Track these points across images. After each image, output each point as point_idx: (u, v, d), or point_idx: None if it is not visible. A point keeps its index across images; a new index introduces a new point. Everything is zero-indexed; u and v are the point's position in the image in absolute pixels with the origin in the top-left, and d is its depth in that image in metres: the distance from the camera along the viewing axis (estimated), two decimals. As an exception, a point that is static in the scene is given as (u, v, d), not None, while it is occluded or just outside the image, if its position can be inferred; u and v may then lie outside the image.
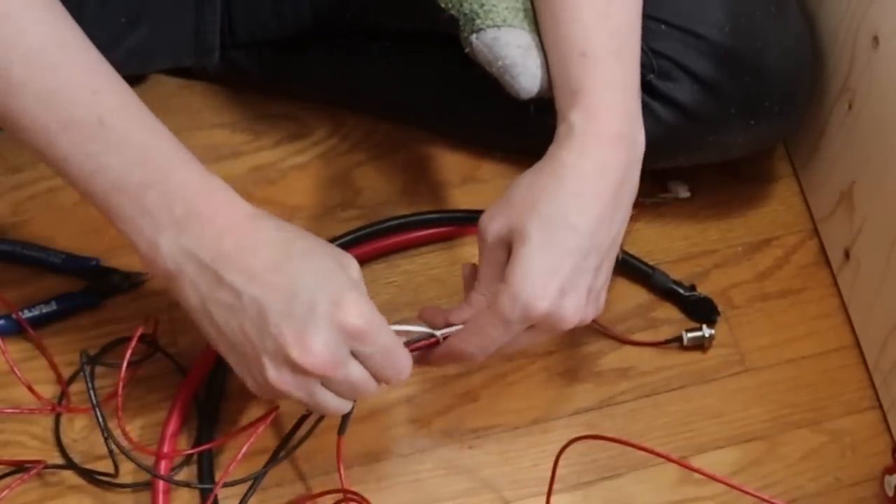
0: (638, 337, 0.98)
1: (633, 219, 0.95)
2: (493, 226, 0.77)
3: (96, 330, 0.95)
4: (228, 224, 0.73)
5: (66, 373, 0.92)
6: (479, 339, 0.77)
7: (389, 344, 0.74)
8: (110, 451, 0.86)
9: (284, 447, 0.85)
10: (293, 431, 0.84)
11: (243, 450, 0.79)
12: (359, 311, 0.72)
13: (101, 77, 0.73)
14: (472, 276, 0.81)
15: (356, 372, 0.74)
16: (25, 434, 0.90)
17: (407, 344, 0.78)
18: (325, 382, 0.74)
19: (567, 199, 0.75)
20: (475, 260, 0.80)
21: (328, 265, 0.73)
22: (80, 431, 0.91)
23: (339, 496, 0.84)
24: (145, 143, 0.73)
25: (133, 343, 0.80)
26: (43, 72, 0.70)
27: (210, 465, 0.88)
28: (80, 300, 0.95)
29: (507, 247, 0.76)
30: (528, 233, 0.75)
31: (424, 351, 0.80)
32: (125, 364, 0.80)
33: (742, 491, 0.79)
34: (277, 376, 0.72)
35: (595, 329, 0.98)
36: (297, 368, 0.72)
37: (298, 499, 0.88)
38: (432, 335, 0.80)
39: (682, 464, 0.81)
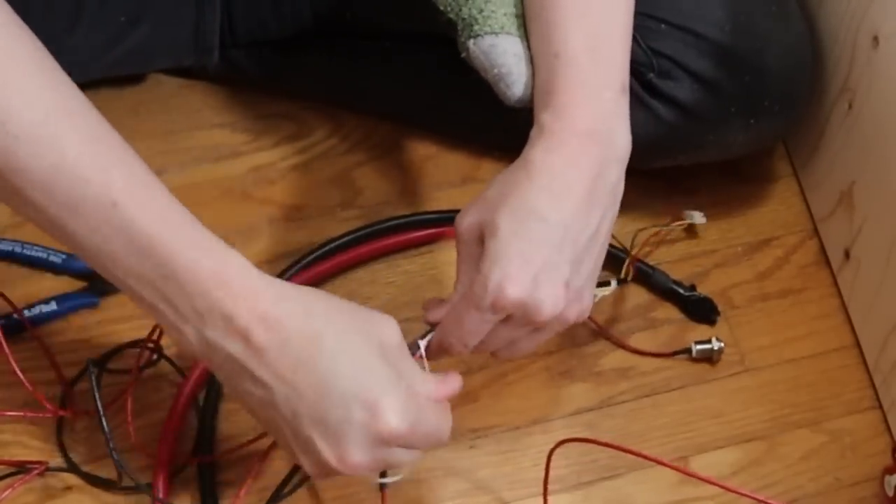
0: (638, 337, 0.98)
1: (648, 244, 0.98)
2: (465, 221, 0.77)
3: (96, 330, 0.95)
4: (254, 316, 0.68)
5: (67, 373, 0.92)
6: (457, 330, 0.76)
7: (430, 429, 0.72)
8: (116, 462, 0.86)
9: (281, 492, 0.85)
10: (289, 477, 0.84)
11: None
12: (396, 416, 0.69)
13: (111, 150, 0.68)
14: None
15: (399, 457, 0.72)
16: (26, 434, 0.90)
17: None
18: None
19: (536, 193, 0.75)
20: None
21: (361, 359, 0.70)
22: (81, 431, 0.90)
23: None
24: (160, 230, 0.68)
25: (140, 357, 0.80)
26: (49, 147, 0.65)
27: (211, 467, 0.89)
28: (80, 300, 0.95)
29: (481, 242, 0.76)
30: (499, 224, 0.74)
31: None
32: (134, 373, 0.79)
33: (738, 493, 0.79)
34: (320, 474, 0.72)
35: (595, 330, 0.98)
36: (335, 472, 0.71)
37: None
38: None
39: (675, 467, 0.81)
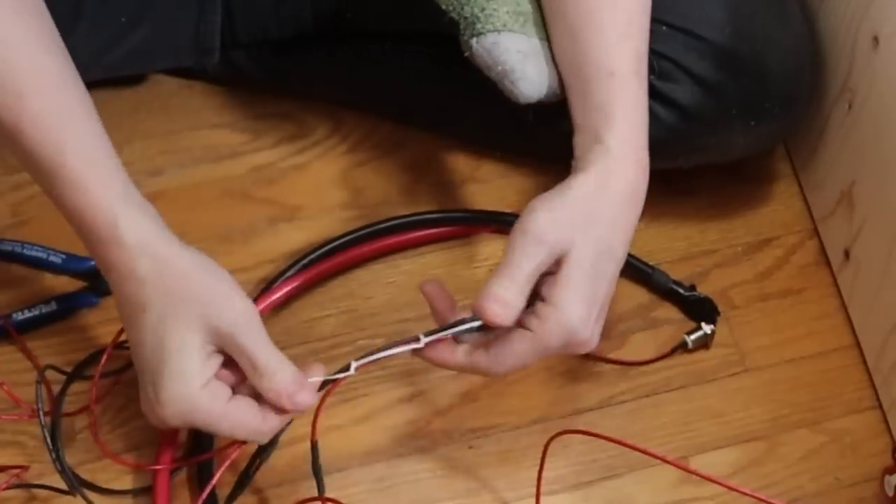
0: (638, 337, 0.98)
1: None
2: (552, 234, 0.76)
3: (96, 330, 0.95)
4: (110, 259, 0.75)
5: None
6: (514, 362, 0.77)
7: (221, 428, 0.76)
8: (64, 471, 0.86)
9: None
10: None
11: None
12: (169, 408, 0.74)
13: (61, 118, 0.74)
14: (440, 293, 0.80)
15: (234, 415, 0.76)
16: (25, 434, 0.90)
17: (393, 345, 0.78)
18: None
19: (614, 228, 0.78)
20: (479, 261, 0.80)
21: (168, 344, 0.74)
22: (80, 431, 0.90)
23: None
24: (85, 192, 0.74)
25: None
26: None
27: (210, 467, 0.88)
28: (80, 300, 0.95)
29: (555, 256, 0.76)
30: (583, 258, 0.76)
31: (441, 353, 0.79)
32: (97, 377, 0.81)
33: (739, 491, 0.79)
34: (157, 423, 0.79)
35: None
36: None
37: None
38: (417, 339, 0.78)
39: (676, 464, 0.81)
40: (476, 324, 0.77)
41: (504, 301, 0.75)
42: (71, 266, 0.96)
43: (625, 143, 0.79)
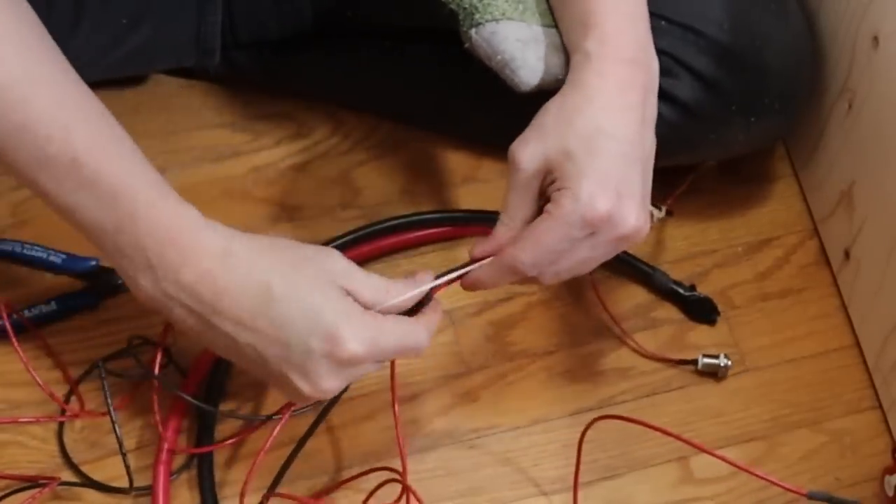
0: (638, 337, 0.98)
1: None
2: (526, 153, 0.77)
3: (96, 330, 0.95)
4: (200, 272, 0.72)
5: (68, 374, 0.92)
6: (534, 247, 0.77)
7: (395, 341, 0.75)
8: (127, 467, 0.87)
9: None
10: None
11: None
12: (353, 341, 0.72)
13: (73, 112, 0.72)
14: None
15: (369, 370, 0.76)
16: (25, 434, 0.90)
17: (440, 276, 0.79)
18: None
19: (599, 113, 0.77)
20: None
21: (309, 301, 0.72)
22: (80, 431, 0.90)
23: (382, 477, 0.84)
24: (114, 184, 0.72)
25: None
26: (14, 108, 0.70)
27: (210, 467, 0.89)
28: (80, 300, 0.95)
29: (541, 175, 0.77)
30: (571, 148, 0.76)
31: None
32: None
33: (755, 475, 0.78)
34: (290, 398, 0.77)
35: (596, 329, 0.98)
36: (313, 398, 0.75)
37: (331, 485, 0.88)
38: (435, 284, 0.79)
39: (696, 445, 0.81)
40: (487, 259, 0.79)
41: (502, 222, 0.79)
42: (71, 266, 0.96)
43: (604, 46, 0.78)
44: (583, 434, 0.85)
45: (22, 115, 0.70)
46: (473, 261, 0.79)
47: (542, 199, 0.78)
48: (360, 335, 0.73)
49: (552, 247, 0.77)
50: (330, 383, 0.74)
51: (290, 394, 0.76)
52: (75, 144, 0.71)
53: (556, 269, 0.79)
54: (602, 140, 0.76)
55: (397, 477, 0.82)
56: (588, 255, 0.78)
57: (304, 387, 0.74)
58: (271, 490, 0.86)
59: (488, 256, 0.79)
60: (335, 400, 0.83)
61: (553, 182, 0.77)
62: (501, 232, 0.79)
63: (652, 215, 0.83)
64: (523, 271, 0.78)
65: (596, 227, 0.76)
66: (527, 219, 0.78)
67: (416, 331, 0.76)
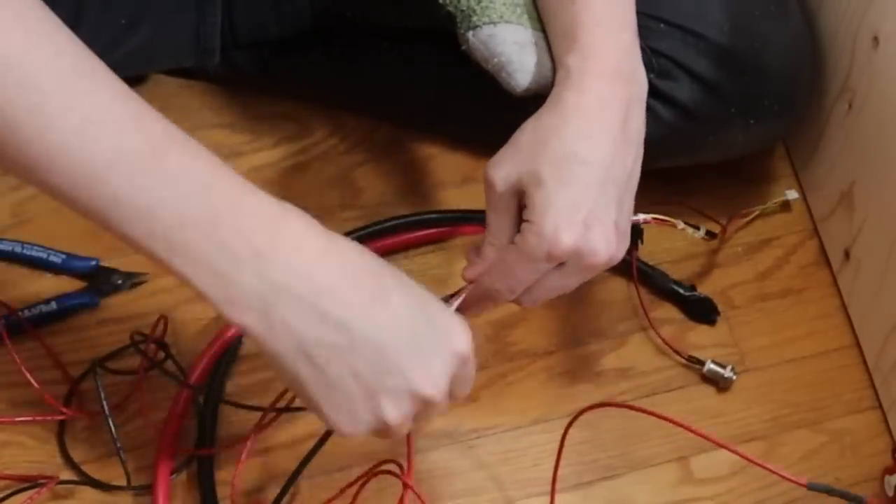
0: (638, 337, 0.98)
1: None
2: (500, 173, 0.76)
3: (96, 330, 0.95)
4: (316, 251, 0.65)
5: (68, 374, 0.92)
6: (506, 278, 0.76)
7: (474, 363, 0.73)
8: (123, 464, 0.87)
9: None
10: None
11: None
12: (468, 337, 0.70)
13: (140, 103, 0.65)
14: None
15: (442, 406, 0.72)
16: (24, 434, 0.90)
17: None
18: (429, 409, 0.71)
19: (574, 136, 0.75)
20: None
21: (416, 290, 0.69)
22: (80, 431, 0.90)
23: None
24: (204, 171, 0.64)
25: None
26: (83, 98, 0.62)
27: (210, 466, 0.89)
28: (80, 300, 0.95)
29: (517, 194, 0.76)
30: (542, 174, 0.74)
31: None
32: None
33: (760, 465, 0.78)
34: (396, 413, 0.68)
35: (596, 329, 0.98)
36: (419, 401, 0.68)
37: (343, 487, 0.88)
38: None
39: (701, 434, 0.80)
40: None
41: (489, 242, 0.78)
42: (71, 266, 0.96)
43: (585, 60, 0.77)
44: (570, 423, 0.84)
45: (89, 105, 0.62)
46: (467, 282, 0.79)
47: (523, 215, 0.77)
48: (468, 333, 0.70)
49: (522, 277, 0.76)
50: (445, 381, 0.68)
51: (399, 401, 0.68)
52: (153, 134, 0.63)
53: (533, 297, 0.78)
54: (575, 167, 0.74)
55: (398, 472, 0.81)
56: (561, 283, 0.78)
57: (425, 386, 0.67)
58: (283, 493, 0.86)
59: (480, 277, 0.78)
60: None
61: (525, 206, 0.76)
62: (489, 252, 0.78)
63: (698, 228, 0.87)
64: (500, 298, 0.78)
65: (563, 260, 0.75)
66: (512, 235, 0.77)
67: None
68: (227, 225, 0.63)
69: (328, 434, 0.81)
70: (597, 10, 0.79)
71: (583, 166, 0.75)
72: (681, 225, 0.95)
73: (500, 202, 0.77)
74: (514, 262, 0.76)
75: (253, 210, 0.64)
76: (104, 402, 0.86)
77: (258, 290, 0.64)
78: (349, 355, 0.66)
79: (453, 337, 0.69)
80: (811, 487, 0.77)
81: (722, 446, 0.79)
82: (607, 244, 0.75)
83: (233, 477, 0.83)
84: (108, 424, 0.86)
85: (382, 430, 0.70)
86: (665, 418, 0.80)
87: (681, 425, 0.79)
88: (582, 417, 0.94)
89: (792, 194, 1.05)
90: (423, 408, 0.70)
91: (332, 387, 0.67)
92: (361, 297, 0.66)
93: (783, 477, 0.77)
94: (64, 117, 0.61)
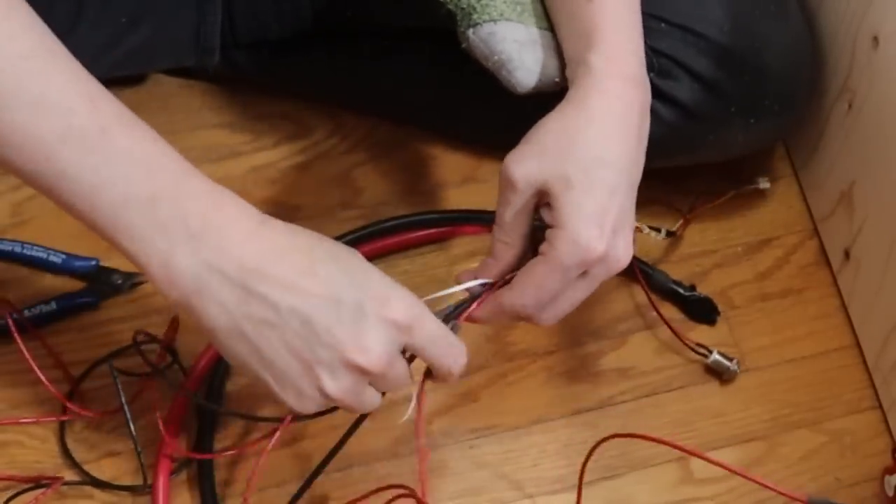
0: (638, 337, 0.98)
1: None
2: (522, 171, 0.76)
3: (96, 330, 0.95)
4: (245, 233, 0.69)
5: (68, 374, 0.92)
6: (536, 291, 0.76)
7: (438, 332, 0.73)
8: (141, 465, 0.87)
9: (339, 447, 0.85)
10: (350, 433, 0.83)
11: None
12: (405, 304, 0.71)
13: (94, 85, 0.68)
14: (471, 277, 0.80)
15: (403, 366, 0.73)
16: (24, 434, 0.90)
17: (446, 317, 0.77)
18: (373, 381, 0.72)
19: (601, 140, 0.76)
20: (479, 261, 0.80)
21: (353, 263, 0.71)
22: (80, 432, 0.90)
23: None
24: (150, 153, 0.68)
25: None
26: (33, 79, 0.66)
27: (211, 466, 0.89)
28: (80, 300, 0.95)
29: (538, 194, 0.76)
30: (571, 177, 0.74)
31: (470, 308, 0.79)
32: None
33: (752, 480, 0.78)
34: (335, 384, 0.70)
35: (596, 329, 0.98)
36: (356, 371, 0.70)
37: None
38: (470, 293, 0.78)
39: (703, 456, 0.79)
40: (481, 281, 0.78)
41: (502, 241, 0.78)
42: (71, 266, 0.96)
43: (609, 62, 0.77)
44: (591, 450, 0.83)
45: (42, 86, 0.66)
46: (479, 282, 0.78)
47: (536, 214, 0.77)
48: (407, 301, 0.71)
49: (551, 288, 0.76)
50: (379, 348, 0.69)
51: (334, 372, 0.70)
52: (103, 114, 0.67)
53: (556, 311, 0.78)
54: (601, 171, 0.75)
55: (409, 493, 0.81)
56: (581, 294, 0.78)
57: (355, 354, 0.69)
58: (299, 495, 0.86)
59: (497, 278, 0.78)
60: (364, 416, 0.80)
61: (547, 204, 0.76)
62: (503, 251, 0.78)
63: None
64: (525, 315, 0.77)
65: (590, 267, 0.75)
66: (524, 235, 0.77)
67: (456, 339, 0.75)
68: (166, 207, 0.67)
69: (354, 427, 0.82)
70: (615, 11, 0.79)
71: (609, 170, 0.75)
72: (646, 230, 0.95)
73: (520, 200, 0.76)
74: (544, 273, 0.75)
75: (191, 193, 0.68)
76: (122, 398, 0.86)
77: (193, 270, 0.68)
78: (279, 330, 0.69)
79: (388, 304, 0.70)
80: (811, 502, 0.76)
81: (736, 473, 0.78)
82: (627, 250, 0.76)
83: (250, 474, 0.83)
84: (127, 420, 0.86)
85: (332, 404, 0.72)
86: (678, 447, 0.79)
87: (701, 457, 0.78)
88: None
89: (764, 183, 1.04)
90: (363, 378, 0.71)
91: (270, 362, 0.70)
92: (286, 273, 0.68)
93: (781, 493, 0.76)
94: (16, 96, 0.65)
